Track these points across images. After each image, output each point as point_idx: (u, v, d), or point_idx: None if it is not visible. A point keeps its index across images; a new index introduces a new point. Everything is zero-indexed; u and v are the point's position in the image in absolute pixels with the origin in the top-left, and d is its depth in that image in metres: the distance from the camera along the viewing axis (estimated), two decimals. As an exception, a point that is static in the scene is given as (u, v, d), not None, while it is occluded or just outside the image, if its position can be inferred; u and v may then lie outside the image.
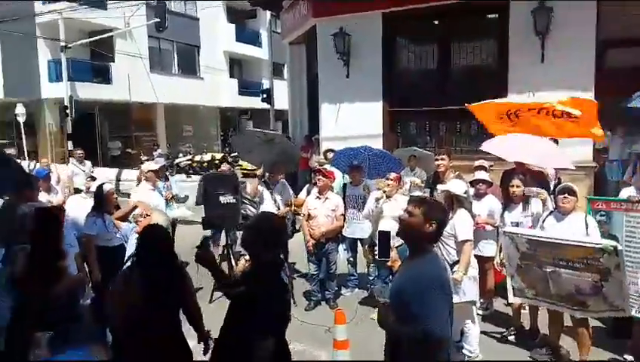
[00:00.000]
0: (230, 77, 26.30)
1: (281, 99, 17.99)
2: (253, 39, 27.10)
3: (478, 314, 4.61)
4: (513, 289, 4.19)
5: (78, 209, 5.26)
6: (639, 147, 7.25)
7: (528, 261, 3.91)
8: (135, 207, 4.80)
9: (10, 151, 15.45)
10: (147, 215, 4.15)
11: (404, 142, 9.58)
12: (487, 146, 5.61)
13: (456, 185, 4.35)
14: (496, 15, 8.89)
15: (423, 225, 2.29)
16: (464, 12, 8.87)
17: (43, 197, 6.08)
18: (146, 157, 18.19)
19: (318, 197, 5.71)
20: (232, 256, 6.22)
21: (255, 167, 10.95)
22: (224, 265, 6.35)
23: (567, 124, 5.58)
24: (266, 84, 22.93)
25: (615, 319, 4.14)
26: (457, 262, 4.04)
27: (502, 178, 5.71)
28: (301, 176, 11.98)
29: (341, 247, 6.13)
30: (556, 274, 3.73)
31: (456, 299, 4.18)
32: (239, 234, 7.05)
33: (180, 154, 20.58)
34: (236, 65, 27.66)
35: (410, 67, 9.80)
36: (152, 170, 6.51)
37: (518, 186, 4.73)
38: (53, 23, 16.74)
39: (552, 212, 4.30)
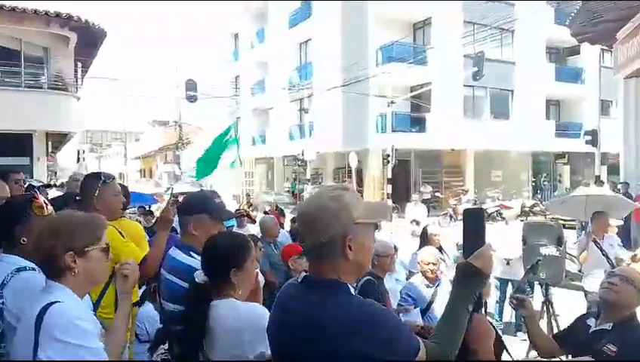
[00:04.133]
0: (546, 119, 24.65)
1: (607, 140, 15.78)
2: (575, 77, 24.83)
3: None
4: None
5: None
6: None
7: None
8: None
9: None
10: None
11: None
12: None
13: None
14: None
15: None
16: None
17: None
18: (454, 202, 18.75)
19: None
20: (552, 315, 5.67)
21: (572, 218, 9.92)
22: (542, 323, 5.85)
23: None
24: (588, 125, 20.56)
25: None
26: None
27: None
28: (635, 229, 10.26)
29: None
30: None
31: None
32: (554, 290, 6.43)
33: (488, 200, 20.30)
34: (553, 105, 25.83)
35: None
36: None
37: None
38: (383, 81, 19.38)
39: None
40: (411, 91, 20.36)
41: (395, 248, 4.75)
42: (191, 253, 2.09)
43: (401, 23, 21.67)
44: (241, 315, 1.77)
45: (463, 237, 1.44)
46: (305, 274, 1.40)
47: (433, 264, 4.13)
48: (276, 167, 29.45)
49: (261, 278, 4.48)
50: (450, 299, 1.40)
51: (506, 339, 5.61)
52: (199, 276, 1.82)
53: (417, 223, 6.78)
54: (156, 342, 2.32)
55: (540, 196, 22.12)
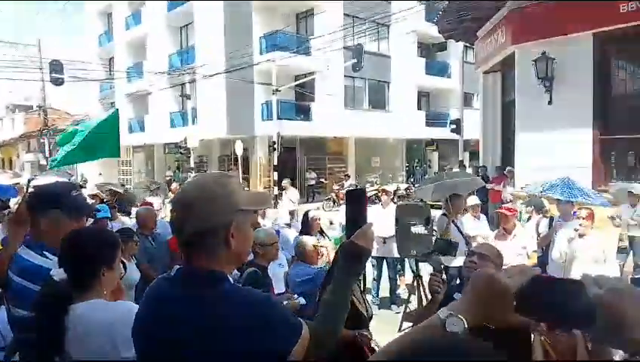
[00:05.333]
0: (418, 109, 26.61)
1: (470, 128, 17.53)
2: (443, 71, 27.09)
3: None
4: None
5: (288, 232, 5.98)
6: None
7: None
8: None
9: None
10: None
11: (620, 175, 8.39)
12: None
13: None
14: None
15: None
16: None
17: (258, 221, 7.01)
18: (337, 187, 19.50)
19: (503, 235, 5.37)
20: (422, 289, 6.21)
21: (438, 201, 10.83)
22: (413, 297, 6.39)
23: None
24: (453, 115, 22.60)
25: None
26: None
27: None
28: (492, 209, 11.47)
29: None
30: None
31: None
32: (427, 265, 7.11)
33: (367, 185, 21.48)
34: (424, 97, 27.92)
35: (628, 90, 8.63)
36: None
37: None
38: (268, 69, 19.35)
39: None
40: (296, 80, 20.59)
41: (278, 234, 4.84)
42: (44, 252, 1.89)
43: (284, 12, 21.75)
44: (112, 315, 1.64)
45: (345, 217, 1.47)
46: (178, 266, 1.29)
47: (315, 249, 4.26)
48: (157, 155, 27.97)
49: (137, 274, 4.28)
50: (336, 278, 1.39)
51: (382, 313, 6.03)
52: (58, 274, 1.66)
53: (293, 213, 7.05)
54: (11, 350, 2.09)
55: (412, 180, 23.91)
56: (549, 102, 9.03)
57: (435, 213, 7.62)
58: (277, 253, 4.12)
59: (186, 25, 24.50)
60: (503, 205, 6.04)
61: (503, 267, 5.11)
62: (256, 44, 20.56)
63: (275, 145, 18.35)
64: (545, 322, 0.96)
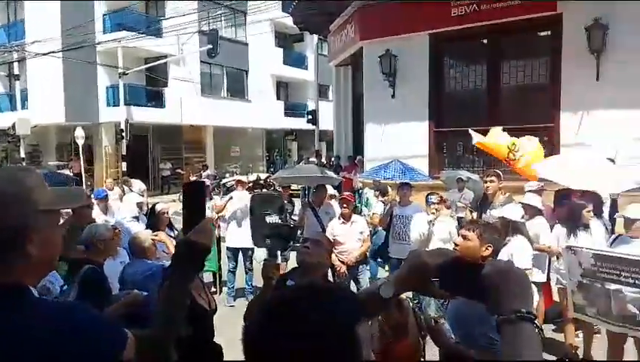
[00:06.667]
0: (277, 99, 26.86)
1: (326, 120, 18.23)
2: (300, 62, 27.65)
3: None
4: (574, 305, 3.91)
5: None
6: None
7: (591, 277, 3.67)
8: None
9: (66, 171, 16.23)
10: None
11: (451, 163, 9.44)
12: (539, 170, 5.47)
13: (511, 211, 4.20)
14: (548, 32, 8.70)
15: (478, 249, 2.27)
16: (514, 30, 8.73)
17: (100, 217, 6.35)
18: (194, 178, 18.78)
19: (343, 222, 5.73)
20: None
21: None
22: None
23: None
24: (311, 106, 23.30)
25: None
26: None
27: (555, 199, 5.57)
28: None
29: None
30: (620, 293, 3.50)
31: None
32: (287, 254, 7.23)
33: (227, 175, 21.08)
34: (282, 87, 28.28)
35: (457, 87, 9.71)
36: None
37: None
38: (113, 50, 17.74)
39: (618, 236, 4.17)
40: (146, 63, 19.24)
41: (114, 228, 4.46)
42: None
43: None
44: None
45: (182, 211, 1.37)
46: None
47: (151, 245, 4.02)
48: (-22, 143, 24.01)
49: None
50: (172, 278, 1.31)
51: (238, 303, 5.93)
52: None
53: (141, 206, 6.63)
54: None
55: (272, 170, 24.15)
56: (393, 96, 9.75)
57: (296, 202, 7.80)
58: (116, 247, 3.86)
59: (14, -5, 21.30)
60: (344, 195, 6.43)
61: (343, 249, 5.49)
62: (98, 21, 18.73)
63: (124, 133, 16.96)
64: (459, 296, 1.15)
